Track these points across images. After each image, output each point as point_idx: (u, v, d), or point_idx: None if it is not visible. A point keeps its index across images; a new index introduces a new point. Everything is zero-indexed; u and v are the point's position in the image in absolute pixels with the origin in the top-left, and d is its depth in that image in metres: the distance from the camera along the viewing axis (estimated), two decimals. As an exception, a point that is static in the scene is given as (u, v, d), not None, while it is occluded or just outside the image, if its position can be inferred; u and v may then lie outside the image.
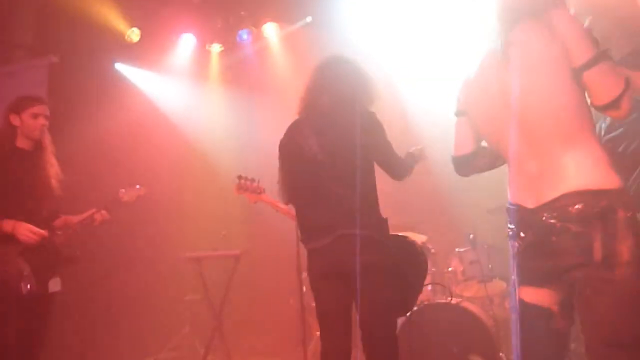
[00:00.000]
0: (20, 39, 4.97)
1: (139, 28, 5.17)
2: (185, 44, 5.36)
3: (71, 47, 4.75)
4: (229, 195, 3.91)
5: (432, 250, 3.90)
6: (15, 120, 2.80)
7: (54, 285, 2.77)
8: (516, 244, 1.59)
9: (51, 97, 4.48)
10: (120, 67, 5.32)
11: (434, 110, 4.75)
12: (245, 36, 5.24)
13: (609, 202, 1.40)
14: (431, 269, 3.80)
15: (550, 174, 1.49)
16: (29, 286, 2.61)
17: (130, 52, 5.25)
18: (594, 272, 1.42)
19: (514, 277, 1.62)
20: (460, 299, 3.63)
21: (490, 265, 3.58)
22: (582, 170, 1.44)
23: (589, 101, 1.53)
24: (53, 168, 2.85)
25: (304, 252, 3.52)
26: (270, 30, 5.30)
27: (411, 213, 4.62)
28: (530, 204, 1.53)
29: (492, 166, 1.85)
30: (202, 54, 5.44)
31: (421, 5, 4.56)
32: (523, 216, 1.55)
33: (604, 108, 1.49)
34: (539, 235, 1.51)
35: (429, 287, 3.76)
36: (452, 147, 1.86)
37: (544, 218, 1.48)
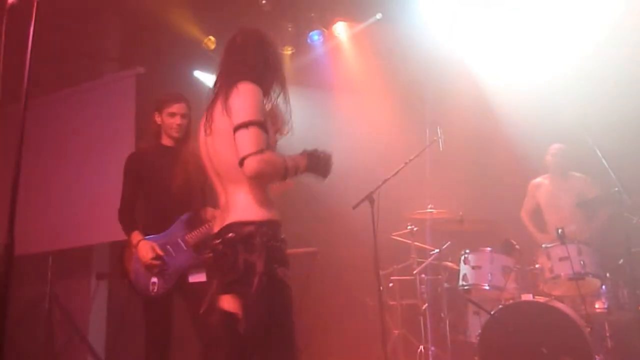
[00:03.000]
0: (109, 52, 5.35)
1: (215, 36, 5.38)
2: (258, 48, 5.49)
3: (155, 58, 5.03)
4: (305, 195, 3.98)
5: (517, 246, 3.71)
6: (158, 119, 2.97)
7: (197, 277, 2.86)
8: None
9: (139, 106, 4.79)
10: (199, 74, 5.56)
11: (514, 101, 4.56)
12: (316, 37, 5.30)
13: (251, 229, 1.86)
14: (515, 265, 3.64)
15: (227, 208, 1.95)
16: (155, 288, 2.79)
17: (208, 60, 5.46)
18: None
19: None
20: (549, 298, 3.44)
21: (582, 262, 3.36)
22: (239, 207, 1.91)
23: None
24: (194, 164, 2.78)
25: (381, 250, 3.52)
26: (341, 29, 5.31)
27: (491, 208, 4.45)
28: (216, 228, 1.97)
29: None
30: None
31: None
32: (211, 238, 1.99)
33: (239, 164, 1.83)
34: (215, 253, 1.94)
35: (513, 285, 3.59)
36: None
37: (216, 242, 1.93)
